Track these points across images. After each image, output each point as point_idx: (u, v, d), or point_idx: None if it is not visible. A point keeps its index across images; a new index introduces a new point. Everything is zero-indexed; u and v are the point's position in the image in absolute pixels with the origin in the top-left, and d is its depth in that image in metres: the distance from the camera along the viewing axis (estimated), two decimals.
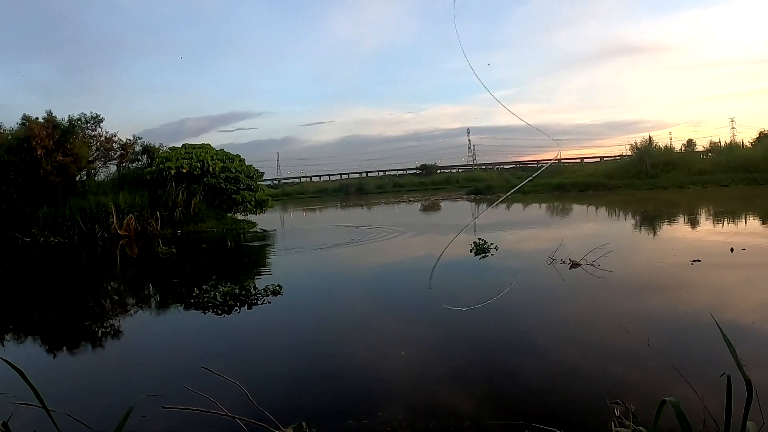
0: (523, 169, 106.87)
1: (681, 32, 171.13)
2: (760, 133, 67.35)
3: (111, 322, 12.10)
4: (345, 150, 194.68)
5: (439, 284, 13.19)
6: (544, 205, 41.06)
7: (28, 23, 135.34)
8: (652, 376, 6.65)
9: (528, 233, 23.64)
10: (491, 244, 17.70)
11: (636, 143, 62.61)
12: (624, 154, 72.05)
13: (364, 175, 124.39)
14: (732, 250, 15.31)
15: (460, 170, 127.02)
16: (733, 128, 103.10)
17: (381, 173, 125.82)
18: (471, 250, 17.39)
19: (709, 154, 67.41)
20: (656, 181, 54.29)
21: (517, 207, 40.98)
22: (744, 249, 15.39)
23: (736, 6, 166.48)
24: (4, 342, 10.89)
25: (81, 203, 34.43)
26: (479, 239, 18.04)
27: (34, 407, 3.65)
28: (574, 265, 14.18)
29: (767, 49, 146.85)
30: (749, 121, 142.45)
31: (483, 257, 16.72)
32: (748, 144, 67.15)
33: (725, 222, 24.40)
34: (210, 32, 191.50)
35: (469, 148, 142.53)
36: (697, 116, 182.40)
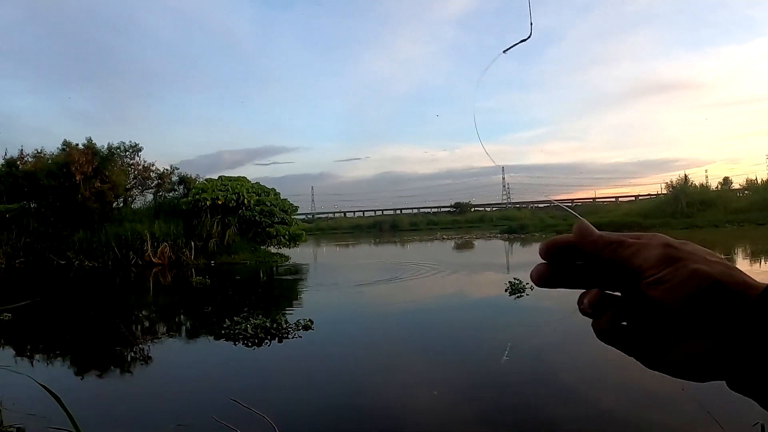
0: (557, 208, 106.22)
1: (716, 69, 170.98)
2: None
3: (142, 348, 12.20)
4: (379, 187, 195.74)
5: (473, 323, 13.11)
6: None
7: (71, 54, 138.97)
8: (686, 422, 6.53)
9: None
10: (526, 283, 17.46)
11: (671, 182, 61.96)
12: (659, 192, 71.42)
13: (398, 211, 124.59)
14: None
15: (494, 209, 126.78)
16: None
17: (415, 210, 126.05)
18: (506, 290, 17.23)
19: (746, 191, 66.48)
20: (692, 220, 53.54)
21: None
22: None
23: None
24: (36, 364, 11.02)
25: (117, 230, 34.88)
26: (514, 279, 17.82)
27: None
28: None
29: None
30: None
31: (518, 297, 16.54)
32: None
33: (762, 261, 24.03)
34: (247, 66, 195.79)
35: (504, 186, 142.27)
36: (734, 153, 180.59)
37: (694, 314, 0.69)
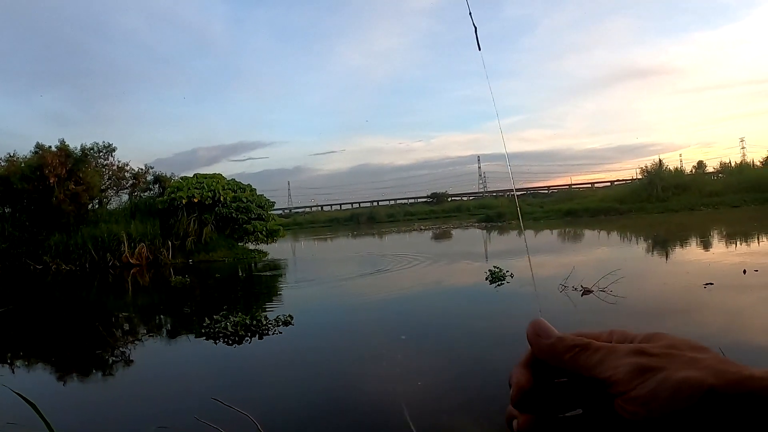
0: (534, 195, 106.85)
1: (689, 54, 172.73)
2: None
3: (122, 351, 12.13)
4: (356, 179, 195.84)
5: (455, 312, 13.15)
6: (555, 231, 40.85)
7: (42, 54, 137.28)
8: None
9: (540, 260, 23.53)
10: (507, 271, 17.51)
11: (646, 167, 62.39)
12: (635, 177, 71.95)
13: (375, 203, 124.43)
14: (744, 271, 15.24)
15: (470, 198, 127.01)
16: (743, 148, 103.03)
17: (392, 202, 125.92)
18: (486, 278, 17.27)
19: (720, 175, 67.32)
20: (667, 204, 54.16)
21: (528, 234, 40.85)
22: (756, 270, 15.29)
23: (743, 27, 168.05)
24: (16, 371, 10.90)
25: (93, 232, 34.56)
26: (495, 267, 17.89)
27: None
28: (586, 291, 14.07)
29: None
30: (759, 140, 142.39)
31: (499, 285, 16.58)
32: (758, 163, 67.05)
33: (737, 243, 24.32)
34: (221, 64, 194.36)
35: (480, 175, 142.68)
36: (708, 137, 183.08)
37: (683, 426, 0.55)
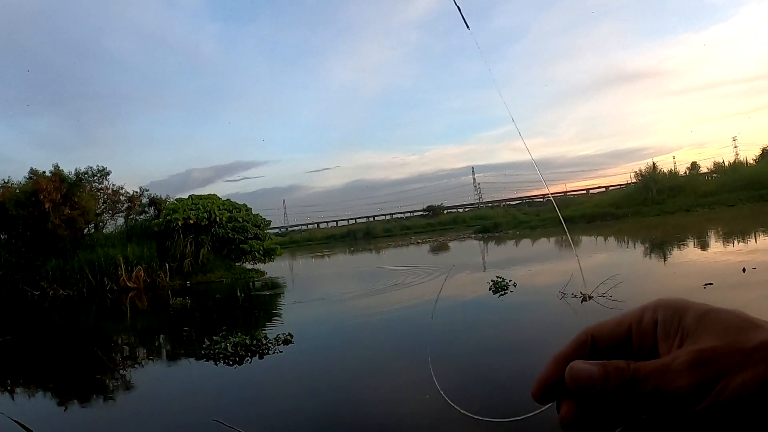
0: (529, 204, 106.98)
1: (677, 56, 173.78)
2: (763, 150, 67.34)
3: (122, 375, 12.05)
4: (351, 195, 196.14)
5: (458, 326, 13.11)
6: (552, 239, 40.83)
7: (34, 78, 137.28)
8: None
9: (539, 268, 23.49)
10: (509, 281, 17.50)
11: (640, 170, 62.66)
12: (629, 182, 72.16)
13: (371, 219, 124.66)
14: (744, 270, 15.20)
15: (466, 209, 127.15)
16: (736, 147, 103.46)
17: (388, 217, 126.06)
18: (489, 288, 17.24)
19: (714, 175, 67.60)
20: (663, 206, 54.40)
21: (525, 243, 40.87)
22: (755, 268, 15.28)
23: (727, 27, 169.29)
24: (14, 398, 10.83)
25: (89, 256, 34.43)
26: (497, 277, 17.87)
27: None
28: (586, 298, 14.04)
29: (762, 66, 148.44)
30: (752, 138, 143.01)
31: (502, 295, 16.54)
32: (752, 161, 67.30)
33: (735, 242, 24.32)
34: (213, 84, 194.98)
35: (475, 186, 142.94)
36: (700, 138, 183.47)
37: (750, 421, 0.55)
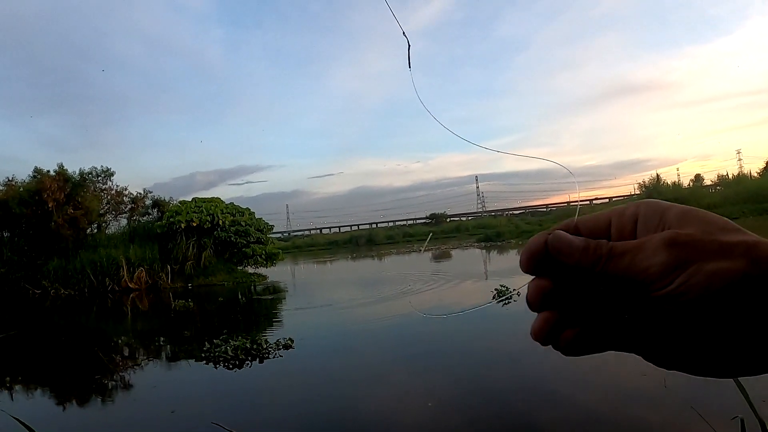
0: (532, 213, 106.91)
1: (680, 69, 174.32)
2: (767, 163, 67.27)
3: (122, 376, 12.05)
4: (354, 201, 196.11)
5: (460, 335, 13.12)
6: None
7: (40, 79, 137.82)
8: (670, 417, 6.57)
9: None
10: (513, 289, 17.42)
11: (644, 182, 62.73)
12: (633, 193, 72.12)
13: (373, 225, 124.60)
14: None
15: (469, 218, 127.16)
16: (740, 160, 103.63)
17: (391, 223, 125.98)
18: (493, 297, 17.23)
19: (718, 187, 67.62)
20: None
21: None
22: None
23: (732, 40, 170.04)
24: (15, 397, 10.83)
25: (92, 256, 34.52)
26: (501, 285, 17.95)
27: None
28: None
29: (765, 79, 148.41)
30: (756, 151, 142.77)
31: (506, 303, 16.53)
32: (756, 174, 67.21)
33: None
34: (218, 87, 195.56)
35: (478, 195, 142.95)
36: (704, 150, 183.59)
37: (723, 316, 0.56)
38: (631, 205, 0.66)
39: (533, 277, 0.66)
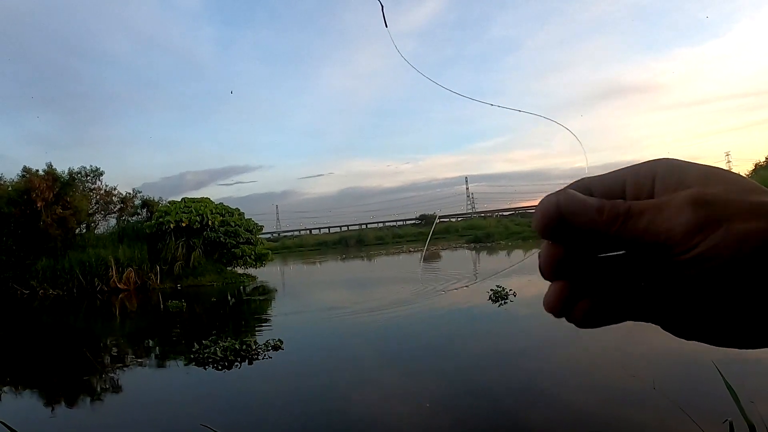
0: (522, 215, 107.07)
1: (671, 71, 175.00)
2: (756, 165, 67.48)
3: (110, 377, 12.00)
4: (344, 202, 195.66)
5: (463, 333, 13.12)
6: None
7: (28, 76, 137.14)
8: (659, 418, 6.59)
9: (533, 279, 23.45)
10: (509, 290, 17.60)
11: None
12: None
13: (363, 226, 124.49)
14: None
15: (459, 219, 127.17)
16: (729, 162, 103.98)
17: (380, 224, 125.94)
18: (489, 298, 17.32)
19: None
20: None
21: (518, 254, 40.92)
22: None
23: (723, 43, 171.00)
24: (2, 397, 10.78)
25: (80, 256, 34.39)
26: (497, 286, 18.07)
27: None
28: None
29: (755, 82, 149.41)
30: (745, 153, 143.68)
31: (502, 304, 16.62)
32: (745, 176, 67.64)
33: None
34: (209, 87, 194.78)
35: (468, 196, 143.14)
36: (693, 153, 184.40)
37: (753, 281, 0.49)
38: (647, 164, 0.60)
39: (545, 242, 0.58)
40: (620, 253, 0.58)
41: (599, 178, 0.63)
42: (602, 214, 0.55)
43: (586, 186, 0.62)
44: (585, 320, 0.59)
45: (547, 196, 0.58)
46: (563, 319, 0.58)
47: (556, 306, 0.59)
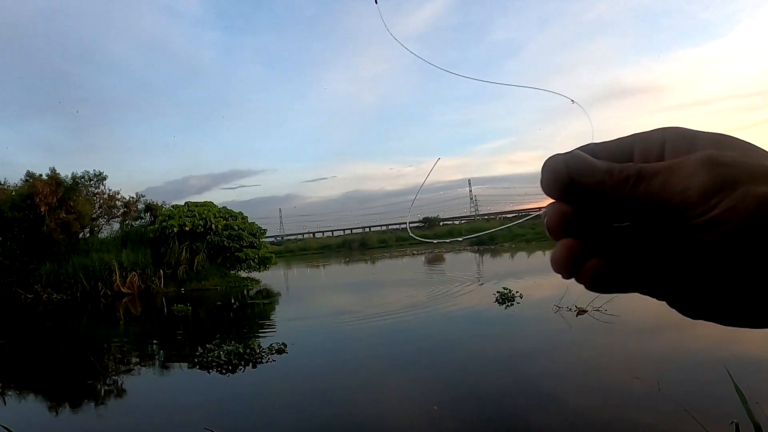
0: (525, 217, 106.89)
1: (673, 72, 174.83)
2: None
3: (114, 381, 12.00)
4: (347, 205, 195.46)
5: (468, 336, 13.10)
6: (548, 252, 40.75)
7: (32, 82, 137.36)
8: (664, 420, 6.56)
9: (534, 281, 23.42)
10: (516, 292, 17.61)
11: None
12: None
13: (366, 229, 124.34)
14: None
15: (462, 221, 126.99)
16: None
17: (383, 227, 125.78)
18: (496, 300, 17.32)
19: None
20: None
21: (520, 256, 40.86)
22: None
23: (724, 44, 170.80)
24: (5, 404, 10.76)
25: (84, 261, 34.39)
26: (504, 288, 18.14)
27: None
28: (581, 312, 14.07)
29: (757, 82, 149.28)
30: None
31: (509, 306, 16.61)
32: None
33: None
34: (212, 92, 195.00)
35: (471, 199, 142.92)
36: None
37: (762, 249, 0.47)
38: (657, 130, 0.58)
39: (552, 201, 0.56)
40: (629, 224, 0.55)
41: (605, 144, 0.61)
42: (612, 176, 0.52)
43: (592, 151, 0.59)
44: (595, 281, 0.55)
45: (553, 156, 0.56)
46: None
47: (566, 263, 0.56)
